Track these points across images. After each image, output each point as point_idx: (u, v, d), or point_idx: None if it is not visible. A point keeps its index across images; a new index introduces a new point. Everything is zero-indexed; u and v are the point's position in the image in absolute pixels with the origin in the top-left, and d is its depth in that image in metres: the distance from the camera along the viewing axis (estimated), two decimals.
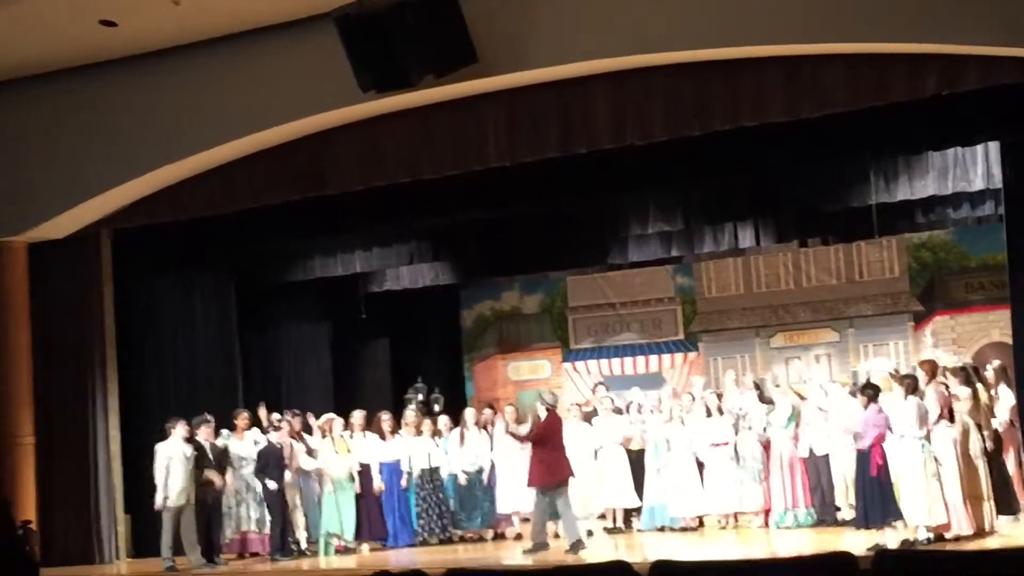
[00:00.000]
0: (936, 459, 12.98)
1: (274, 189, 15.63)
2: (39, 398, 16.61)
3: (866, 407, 13.79)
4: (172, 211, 16.25)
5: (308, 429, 16.50)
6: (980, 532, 13.22)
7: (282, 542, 15.67)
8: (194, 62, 15.52)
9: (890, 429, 13.25)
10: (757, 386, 16.97)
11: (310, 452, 16.01)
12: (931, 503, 12.85)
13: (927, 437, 12.97)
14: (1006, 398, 14.60)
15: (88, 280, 16.88)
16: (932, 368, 13.51)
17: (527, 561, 14.16)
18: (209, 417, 15.87)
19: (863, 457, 13.49)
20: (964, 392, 13.66)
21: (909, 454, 12.98)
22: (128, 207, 16.41)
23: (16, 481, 16.20)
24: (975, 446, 13.44)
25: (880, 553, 7.81)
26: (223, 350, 18.26)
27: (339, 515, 16.18)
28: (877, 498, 13.23)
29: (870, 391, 13.81)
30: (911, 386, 13.22)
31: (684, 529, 16.21)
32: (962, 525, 12.94)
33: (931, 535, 12.92)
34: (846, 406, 14.79)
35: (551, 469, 14.81)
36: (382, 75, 13.83)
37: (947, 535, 12.93)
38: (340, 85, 14.09)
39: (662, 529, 16.29)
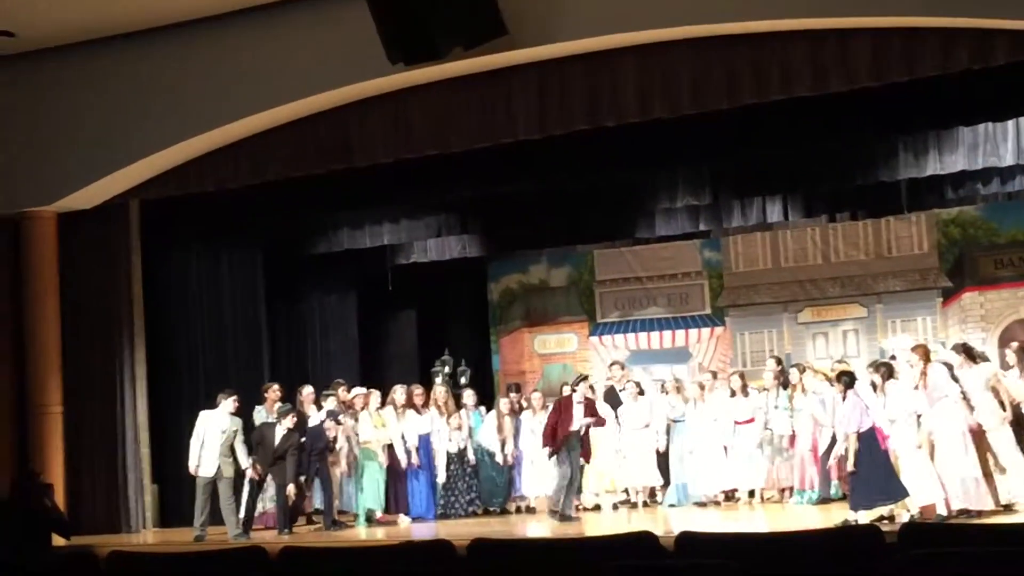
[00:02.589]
0: (931, 439, 12.98)
1: (302, 161, 15.62)
2: (67, 368, 16.67)
3: (844, 395, 13.63)
4: (200, 182, 16.25)
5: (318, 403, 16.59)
6: (1003, 508, 13.23)
7: (286, 518, 15.64)
8: (223, 34, 15.52)
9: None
10: (779, 362, 16.99)
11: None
12: (918, 483, 12.87)
13: (922, 417, 12.99)
14: None
15: (116, 250, 16.95)
16: (925, 352, 13.49)
17: (550, 533, 14.24)
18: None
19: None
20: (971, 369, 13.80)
21: (900, 436, 13.02)
22: (157, 178, 16.42)
23: (44, 450, 16.28)
24: (988, 422, 13.44)
25: (906, 527, 7.82)
26: (250, 321, 18.33)
27: (377, 489, 16.29)
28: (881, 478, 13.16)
29: (846, 379, 13.67)
30: (886, 374, 13.25)
31: (709, 504, 16.25)
32: (983, 501, 12.93)
33: (917, 514, 12.94)
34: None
35: None
36: (411, 47, 13.78)
37: (960, 511, 12.90)
38: (369, 57, 14.05)
39: (687, 504, 16.33)
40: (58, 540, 13.41)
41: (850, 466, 13.09)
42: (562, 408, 15.50)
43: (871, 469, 12.95)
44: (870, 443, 13.01)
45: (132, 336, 16.91)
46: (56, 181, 16.40)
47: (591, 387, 16.19)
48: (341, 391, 16.64)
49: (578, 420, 15.46)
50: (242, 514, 15.46)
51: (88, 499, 16.52)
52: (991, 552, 6.98)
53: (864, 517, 12.81)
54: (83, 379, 16.69)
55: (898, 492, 12.92)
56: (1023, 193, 16.91)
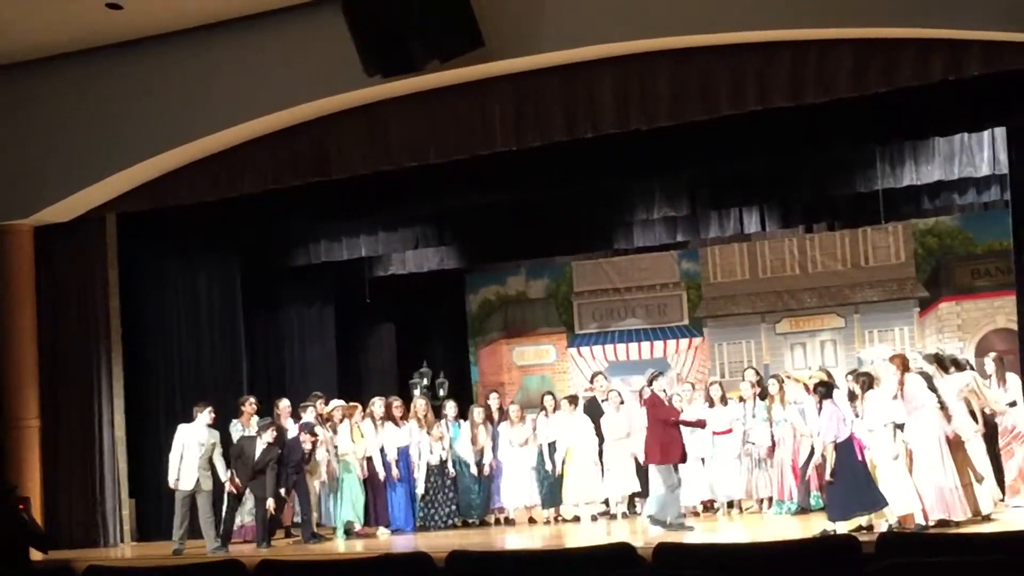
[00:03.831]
0: (909, 449, 13.00)
1: (279, 173, 15.63)
2: (44, 381, 16.63)
3: (820, 405, 13.62)
4: (177, 195, 16.24)
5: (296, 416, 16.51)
6: (980, 518, 13.26)
7: (265, 531, 15.54)
8: (200, 46, 15.51)
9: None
10: (757, 372, 17.01)
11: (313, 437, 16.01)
12: (896, 493, 12.88)
13: (900, 427, 12.99)
14: (1015, 386, 14.61)
15: (93, 263, 16.90)
16: (903, 362, 13.51)
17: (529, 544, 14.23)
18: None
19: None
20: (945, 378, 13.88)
21: (878, 446, 13.04)
22: (133, 190, 16.41)
23: (21, 464, 16.23)
24: (965, 432, 13.48)
25: (883, 536, 7.83)
26: (228, 333, 18.25)
27: (353, 501, 16.27)
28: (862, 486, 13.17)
29: (822, 389, 13.65)
30: (866, 383, 13.26)
31: (687, 515, 16.22)
32: (961, 511, 12.95)
33: (895, 524, 12.95)
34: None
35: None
36: (387, 59, 13.81)
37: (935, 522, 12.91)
38: (345, 69, 14.07)
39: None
40: (35, 554, 13.38)
41: (828, 476, 13.11)
42: (658, 410, 15.12)
43: (848, 479, 12.95)
44: (847, 453, 13.01)
45: (109, 349, 16.85)
46: (33, 194, 16.38)
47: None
48: (319, 403, 16.60)
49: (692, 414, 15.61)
50: (221, 528, 15.43)
51: (65, 513, 16.47)
52: (968, 562, 6.99)
53: (842, 527, 12.81)
54: (60, 392, 16.66)
55: (876, 502, 12.92)
56: (999, 203, 16.95)
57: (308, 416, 16.16)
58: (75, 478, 16.56)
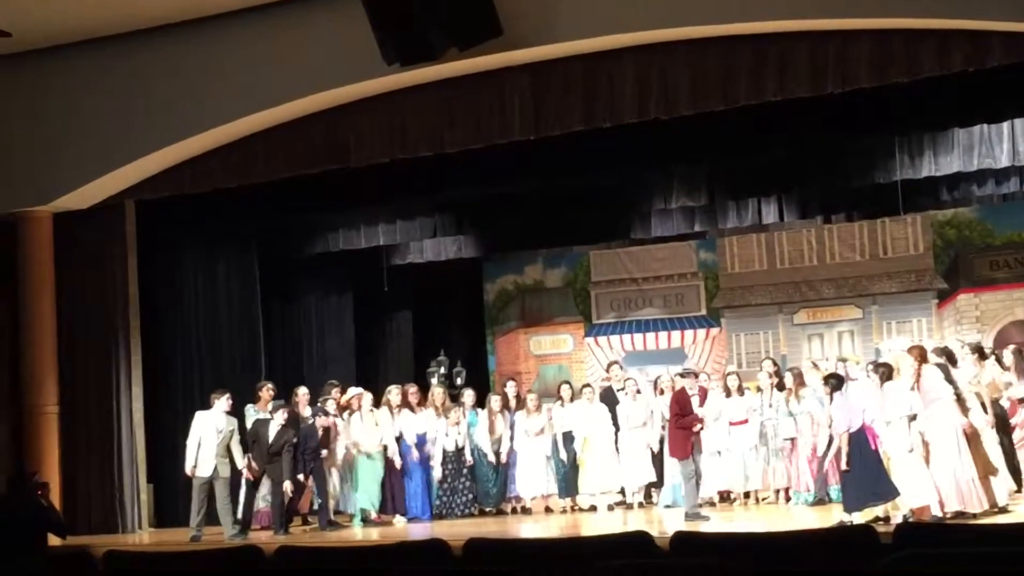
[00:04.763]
0: (925, 441, 12.98)
1: (298, 161, 15.64)
2: (63, 368, 16.67)
3: (831, 397, 13.66)
4: (196, 182, 16.27)
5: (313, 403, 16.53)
6: (997, 510, 13.23)
7: (282, 517, 15.55)
8: (219, 34, 15.53)
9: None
10: (775, 363, 16.97)
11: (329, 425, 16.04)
12: (912, 485, 12.86)
13: (915, 419, 12.96)
14: None
15: (112, 251, 16.92)
16: (921, 354, 13.48)
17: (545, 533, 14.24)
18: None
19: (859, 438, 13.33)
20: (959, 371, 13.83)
21: (894, 437, 13.01)
22: (152, 178, 16.44)
23: (40, 450, 16.28)
24: (979, 424, 13.46)
25: (901, 527, 7.83)
26: (246, 321, 18.29)
27: (372, 489, 16.29)
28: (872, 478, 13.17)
29: (833, 381, 13.65)
30: (885, 374, 13.24)
31: (704, 505, 16.20)
32: (978, 502, 12.93)
33: (910, 515, 12.92)
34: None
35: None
36: (406, 48, 13.81)
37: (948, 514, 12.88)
38: (364, 58, 14.07)
39: (682, 505, 16.30)
40: (54, 540, 13.39)
41: (843, 465, 13.11)
42: (683, 404, 15.11)
43: (861, 470, 12.95)
44: (860, 444, 13.00)
45: (128, 336, 16.87)
46: (52, 181, 16.40)
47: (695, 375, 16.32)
48: (335, 392, 16.61)
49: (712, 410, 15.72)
50: (239, 515, 15.47)
51: (84, 499, 16.51)
52: (986, 552, 6.98)
53: (858, 518, 12.81)
54: (79, 379, 16.70)
55: (888, 492, 12.91)
56: (1018, 195, 16.93)
57: (329, 407, 16.15)
58: (93, 464, 16.61)
